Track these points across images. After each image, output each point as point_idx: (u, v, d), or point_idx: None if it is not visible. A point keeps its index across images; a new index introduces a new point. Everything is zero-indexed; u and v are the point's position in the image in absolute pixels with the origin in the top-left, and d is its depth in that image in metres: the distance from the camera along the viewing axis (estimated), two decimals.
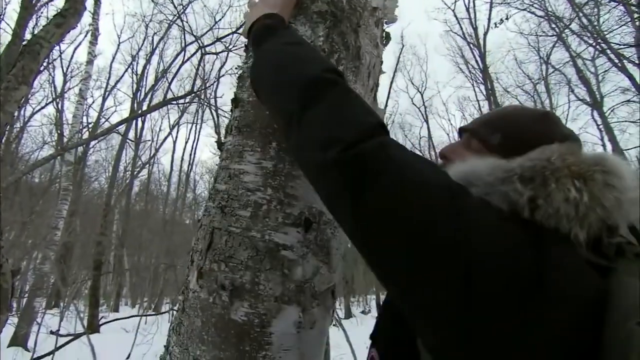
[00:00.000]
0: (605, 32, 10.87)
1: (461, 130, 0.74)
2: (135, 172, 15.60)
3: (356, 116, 0.53)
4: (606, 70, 12.50)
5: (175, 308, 0.78)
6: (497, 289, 0.42)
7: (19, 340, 6.92)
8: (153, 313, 10.08)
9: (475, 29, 15.94)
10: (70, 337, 3.58)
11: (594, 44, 11.98)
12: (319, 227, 0.71)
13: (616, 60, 11.17)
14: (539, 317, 0.41)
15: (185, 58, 12.82)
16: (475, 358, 0.42)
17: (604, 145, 13.81)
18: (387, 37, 1.06)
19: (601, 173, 0.51)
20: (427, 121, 20.42)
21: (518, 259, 0.43)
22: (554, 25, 13.45)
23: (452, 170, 0.54)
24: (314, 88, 0.55)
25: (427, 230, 0.44)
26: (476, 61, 16.27)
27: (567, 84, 14.76)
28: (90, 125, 12.72)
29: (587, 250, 0.47)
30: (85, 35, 13.05)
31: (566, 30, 12.81)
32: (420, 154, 0.53)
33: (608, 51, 11.25)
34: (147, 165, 15.62)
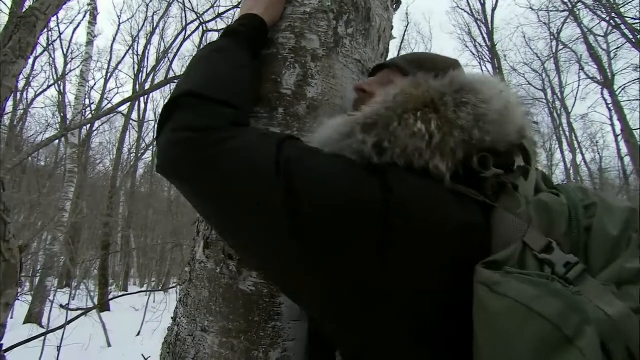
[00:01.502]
0: (620, 6, 10.46)
1: (379, 67, 0.70)
2: (140, 154, 15.63)
3: (180, 132, 0.54)
4: (619, 47, 12.11)
5: (180, 283, 0.77)
6: (342, 238, 0.42)
7: (33, 317, 7.14)
8: (160, 289, 10.32)
9: (483, 4, 15.41)
10: (80, 312, 3.68)
11: (607, 18, 11.55)
12: None
13: (630, 36, 10.79)
14: (391, 264, 0.41)
15: (187, 36, 12.59)
16: (335, 317, 0.45)
17: (612, 125, 13.56)
18: (398, 2, 1.01)
19: (452, 94, 0.49)
20: None
21: (364, 207, 0.42)
22: (566, 0, 12.95)
23: (314, 140, 0.54)
24: (160, 120, 0.57)
25: (259, 203, 0.46)
26: (483, 38, 15.80)
27: (578, 62, 14.35)
28: (92, 107, 12.68)
29: (458, 180, 0.46)
30: (84, 16, 12.81)
31: (579, 5, 12.34)
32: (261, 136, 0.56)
33: (622, 26, 10.85)
34: (151, 146, 15.61)
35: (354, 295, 0.43)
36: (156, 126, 0.59)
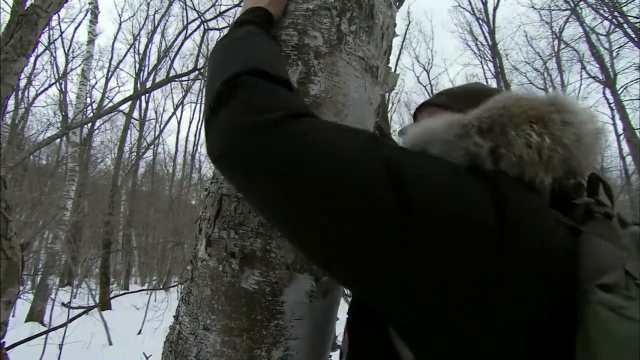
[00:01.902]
0: (623, 4, 10.42)
1: (419, 110, 0.72)
2: (141, 153, 15.65)
3: (251, 117, 0.47)
4: (621, 46, 12.07)
5: (181, 282, 0.76)
6: (454, 249, 0.39)
7: (35, 315, 7.16)
8: (161, 287, 10.35)
9: (484, 3, 15.37)
10: (82, 310, 3.69)
11: (609, 17, 11.51)
12: None
13: (633, 35, 10.75)
14: (501, 279, 0.39)
15: (188, 35, 12.60)
16: (438, 329, 0.40)
17: (614, 124, 13.53)
18: None
19: (557, 112, 0.49)
20: None
21: (477, 215, 0.40)
22: None
23: (408, 136, 0.51)
24: (214, 104, 0.50)
25: (365, 209, 0.41)
26: (485, 37, 15.77)
27: (579, 61, 14.31)
28: (93, 106, 12.69)
29: (551, 200, 0.46)
30: (85, 14, 12.83)
31: (581, 3, 12.29)
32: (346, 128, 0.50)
33: (625, 25, 10.82)
34: (152, 146, 15.64)
35: (458, 311, 0.40)
36: (206, 113, 0.51)
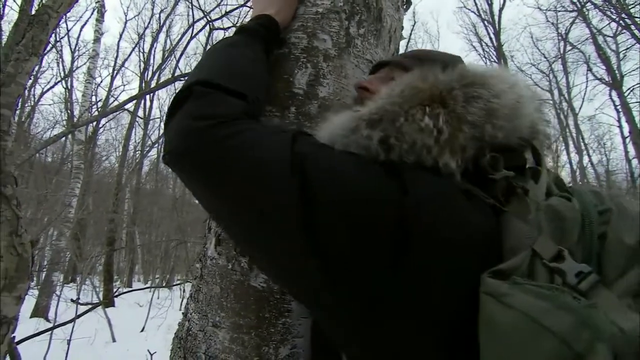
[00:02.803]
0: (631, 6, 10.34)
1: (380, 65, 0.69)
2: (145, 152, 15.74)
3: (189, 121, 0.52)
4: (628, 48, 11.99)
5: (184, 280, 0.77)
6: (354, 243, 0.39)
7: (40, 311, 7.22)
8: (164, 285, 10.41)
9: (490, 4, 15.30)
10: (88, 307, 3.72)
11: (617, 19, 11.42)
12: None
13: None
14: (410, 270, 0.38)
15: (193, 34, 12.65)
16: (352, 325, 0.41)
17: (620, 127, 13.42)
18: (408, 2, 1.01)
19: (461, 88, 0.47)
20: None
21: (378, 207, 0.40)
22: (575, 0, 12.82)
23: (320, 135, 0.52)
24: (169, 110, 0.55)
25: (272, 204, 0.44)
26: (490, 39, 15.70)
27: (586, 63, 14.22)
28: (99, 104, 12.78)
29: (468, 179, 0.44)
30: (92, 13, 12.91)
31: (588, 5, 12.21)
32: (270, 129, 0.55)
33: (632, 27, 10.73)
34: (157, 144, 15.71)
35: (369, 309, 0.40)
36: (165, 114, 0.56)
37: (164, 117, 0.58)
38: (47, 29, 1.41)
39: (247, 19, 0.74)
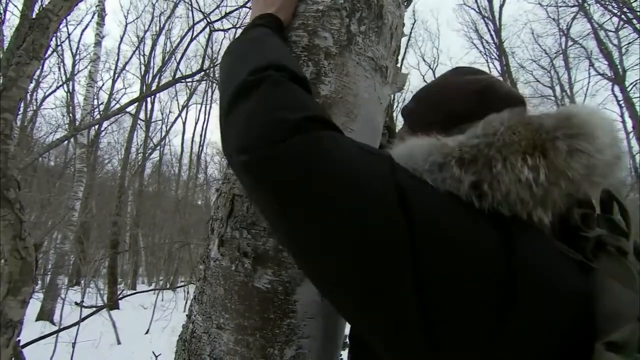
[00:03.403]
0: (632, 0, 10.27)
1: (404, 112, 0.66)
2: (147, 154, 15.79)
3: (271, 115, 0.44)
4: (630, 42, 11.91)
5: (188, 282, 0.77)
6: (458, 301, 0.35)
7: (45, 315, 7.27)
8: (168, 287, 10.44)
9: (490, 1, 15.25)
10: (93, 310, 3.74)
11: (618, 13, 11.36)
12: None
13: None
14: (514, 332, 0.35)
15: (194, 36, 12.68)
16: None
17: (623, 122, 13.34)
18: None
19: (565, 138, 0.42)
20: None
21: (483, 260, 0.36)
22: None
23: (395, 156, 0.46)
24: (234, 96, 0.48)
25: (368, 245, 0.37)
26: (491, 35, 15.64)
27: (587, 58, 14.15)
28: (101, 107, 12.84)
29: (553, 233, 0.41)
30: (92, 17, 12.96)
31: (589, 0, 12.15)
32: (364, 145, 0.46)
33: (634, 21, 10.66)
34: (159, 147, 15.77)
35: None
36: (231, 97, 0.48)
37: (221, 111, 0.50)
38: (48, 33, 1.41)
39: (247, 20, 0.73)
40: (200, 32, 11.91)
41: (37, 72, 13.68)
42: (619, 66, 12.31)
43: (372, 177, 0.40)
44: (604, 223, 0.44)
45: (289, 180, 0.41)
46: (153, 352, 2.74)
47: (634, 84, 11.62)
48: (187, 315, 0.74)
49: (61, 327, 3.18)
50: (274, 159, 0.41)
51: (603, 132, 0.43)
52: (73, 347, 3.55)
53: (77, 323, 3.18)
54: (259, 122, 0.44)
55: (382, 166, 0.41)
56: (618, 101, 12.99)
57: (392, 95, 0.86)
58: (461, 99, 0.57)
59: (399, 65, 0.95)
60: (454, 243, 0.37)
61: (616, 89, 12.72)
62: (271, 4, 0.70)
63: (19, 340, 1.25)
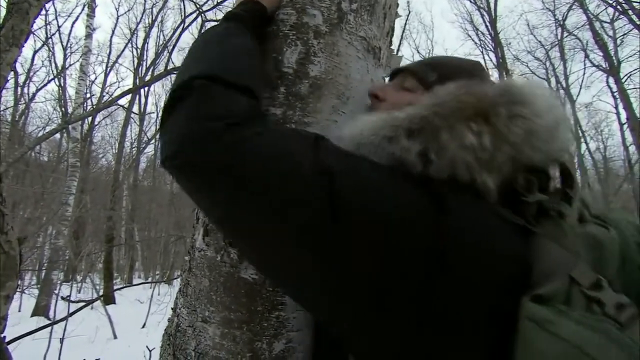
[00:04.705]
0: None
1: (396, 72, 0.66)
2: (142, 148, 15.63)
3: (197, 124, 0.46)
4: (625, 34, 11.91)
5: (181, 272, 0.74)
6: (387, 267, 0.37)
7: (40, 310, 7.23)
8: (162, 280, 10.43)
9: None
10: (83, 304, 3.71)
11: (614, 4, 11.32)
12: None
13: (638, 22, 10.58)
14: (438, 294, 0.37)
15: (185, 26, 12.48)
16: (380, 344, 0.39)
17: (617, 113, 13.39)
18: None
19: (506, 105, 0.45)
20: None
21: (414, 225, 0.38)
22: None
23: (345, 136, 0.48)
24: (165, 108, 0.49)
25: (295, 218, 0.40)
26: (486, 27, 15.54)
27: (583, 50, 14.13)
28: (93, 100, 12.65)
29: (500, 201, 0.42)
30: (83, 8, 12.71)
31: None
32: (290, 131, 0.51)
33: (630, 12, 10.64)
34: (153, 140, 15.58)
35: (393, 324, 0.38)
36: (162, 112, 0.50)
37: (160, 115, 0.52)
38: (28, 18, 1.35)
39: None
40: (192, 22, 11.73)
41: (28, 66, 13.44)
42: (613, 57, 12.31)
43: (294, 162, 0.42)
44: (559, 193, 0.46)
45: (214, 181, 0.44)
46: (147, 347, 2.72)
47: (628, 75, 11.65)
48: (172, 308, 0.71)
49: (52, 322, 3.16)
50: (196, 165, 0.44)
51: (540, 99, 0.46)
52: (61, 342, 3.52)
53: (66, 317, 3.16)
54: (184, 132, 0.46)
55: (305, 147, 0.43)
56: (612, 92, 13.04)
57: (386, 78, 0.82)
58: (462, 63, 0.62)
59: (393, 47, 0.91)
60: (379, 206, 0.39)
61: (611, 80, 12.75)
62: None
63: (5, 337, 1.22)
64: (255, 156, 0.43)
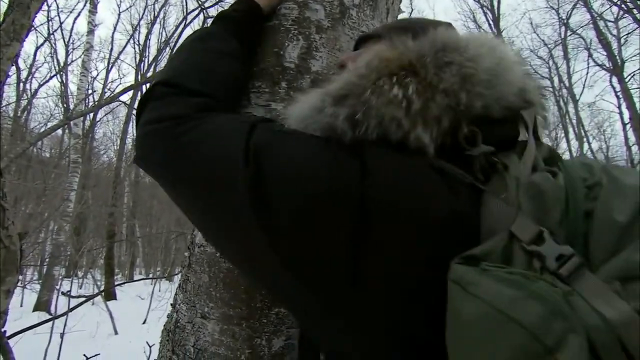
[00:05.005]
0: None
1: (364, 39, 0.62)
2: None
3: (152, 126, 0.51)
4: (629, 33, 11.84)
5: (181, 268, 0.74)
6: (311, 232, 0.37)
7: (42, 305, 7.26)
8: (163, 276, 10.46)
9: None
10: (83, 299, 3.73)
11: (618, 3, 11.25)
12: None
13: None
14: (366, 261, 0.36)
15: (187, 23, 12.44)
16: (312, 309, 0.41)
17: (620, 113, 13.33)
18: None
19: (433, 54, 0.42)
20: None
21: (338, 195, 0.37)
22: None
23: (290, 118, 0.48)
24: (136, 114, 0.55)
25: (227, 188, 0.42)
26: (489, 25, 15.47)
27: (586, 48, 14.05)
28: (95, 96, 12.66)
29: (446, 156, 0.39)
30: (85, 4, 12.70)
31: None
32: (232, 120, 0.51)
33: (634, 11, 10.57)
34: None
35: (326, 295, 0.39)
36: (135, 116, 0.57)
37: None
38: (29, 13, 1.34)
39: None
40: (194, 18, 11.71)
41: (30, 61, 13.44)
42: (617, 57, 12.24)
43: (226, 146, 0.44)
44: (521, 145, 0.42)
45: (161, 176, 0.50)
46: (147, 342, 2.72)
47: (632, 74, 11.59)
48: (171, 304, 0.71)
49: (52, 317, 3.17)
50: (150, 164, 0.52)
51: (474, 44, 0.43)
52: (61, 337, 3.54)
53: (66, 313, 3.17)
54: (140, 135, 0.52)
55: (239, 133, 0.44)
56: (616, 92, 12.98)
57: None
58: (379, 32, 0.59)
59: None
60: (304, 181, 0.38)
61: (614, 79, 12.67)
62: None
63: (5, 332, 1.22)
64: (190, 146, 0.46)
